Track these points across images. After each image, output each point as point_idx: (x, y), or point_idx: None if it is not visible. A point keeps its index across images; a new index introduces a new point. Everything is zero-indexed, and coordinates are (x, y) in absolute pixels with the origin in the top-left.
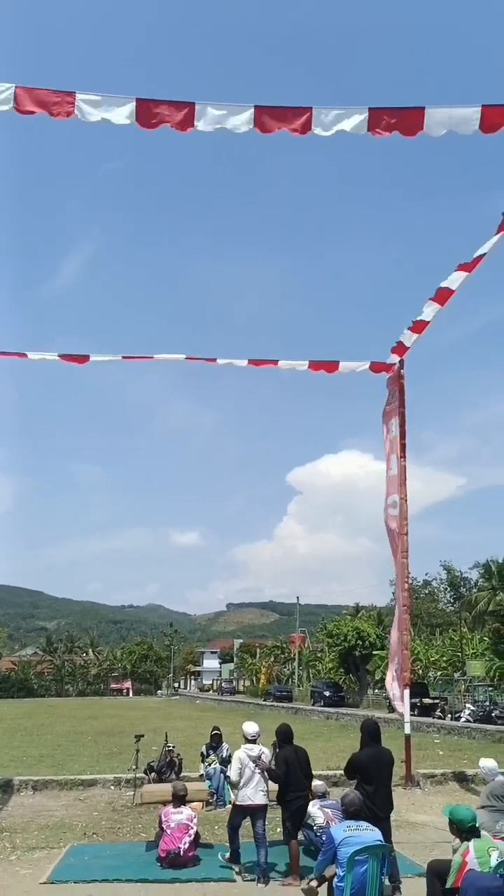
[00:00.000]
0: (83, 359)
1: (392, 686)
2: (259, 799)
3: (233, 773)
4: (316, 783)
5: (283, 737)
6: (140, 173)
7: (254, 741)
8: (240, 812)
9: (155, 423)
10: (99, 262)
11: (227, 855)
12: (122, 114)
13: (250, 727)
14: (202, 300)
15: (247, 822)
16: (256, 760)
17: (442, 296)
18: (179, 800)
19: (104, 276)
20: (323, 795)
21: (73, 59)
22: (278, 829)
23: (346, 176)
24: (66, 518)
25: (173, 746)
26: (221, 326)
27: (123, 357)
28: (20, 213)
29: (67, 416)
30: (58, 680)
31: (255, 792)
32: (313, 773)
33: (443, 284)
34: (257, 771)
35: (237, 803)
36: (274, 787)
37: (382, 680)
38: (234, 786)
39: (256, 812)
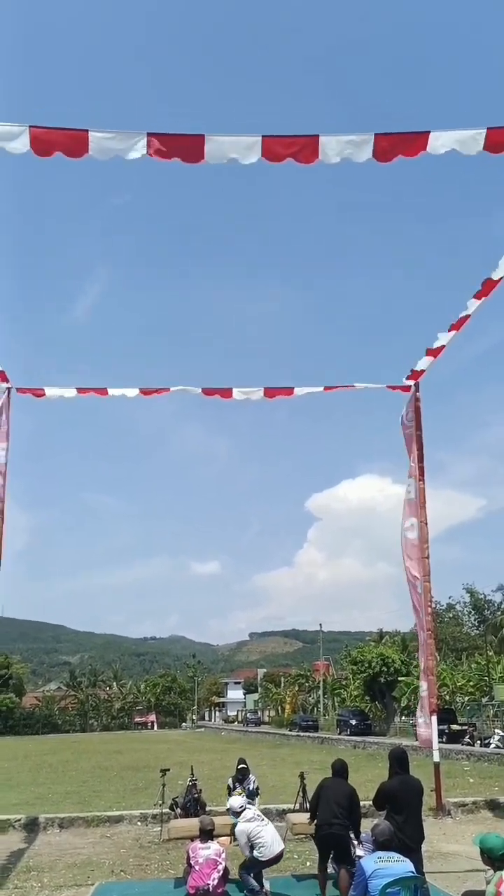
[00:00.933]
0: (101, 392)
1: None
2: (278, 847)
3: (244, 847)
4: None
5: (334, 771)
6: (147, 207)
7: (242, 809)
8: (259, 864)
9: (169, 451)
10: (110, 294)
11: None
12: (136, 149)
13: (234, 802)
14: (213, 328)
15: None
16: (256, 818)
17: (457, 324)
18: (207, 835)
19: (116, 307)
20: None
21: (79, 79)
22: (307, 864)
23: (353, 201)
24: (85, 550)
25: (196, 780)
26: (233, 353)
27: (141, 391)
28: (31, 247)
29: (83, 447)
30: (82, 715)
31: (273, 841)
32: None
33: (463, 314)
34: (264, 825)
35: (260, 859)
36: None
37: (409, 707)
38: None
39: (272, 861)
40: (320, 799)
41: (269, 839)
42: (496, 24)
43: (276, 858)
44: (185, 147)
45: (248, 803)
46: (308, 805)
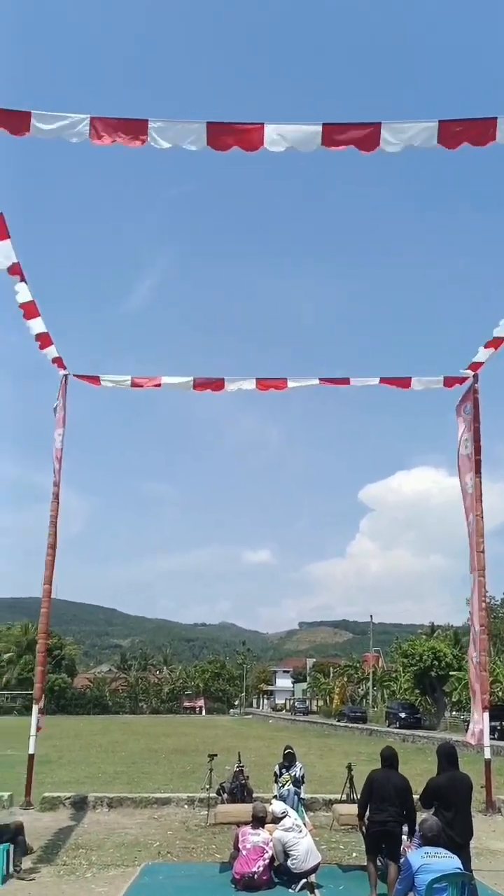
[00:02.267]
0: (156, 384)
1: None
2: (312, 861)
3: (278, 854)
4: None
5: (382, 759)
6: (208, 195)
7: (283, 815)
8: (291, 874)
9: (224, 440)
10: (169, 283)
11: None
12: (194, 139)
13: (276, 807)
14: (270, 317)
15: None
16: (293, 828)
17: None
18: (259, 821)
19: (174, 296)
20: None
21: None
22: (354, 854)
23: (412, 188)
24: (139, 536)
25: (243, 766)
26: (289, 342)
27: (195, 383)
28: (93, 237)
29: (138, 435)
30: (132, 697)
31: (308, 855)
32: None
33: None
34: (300, 836)
35: (293, 870)
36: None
37: (460, 702)
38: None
39: (304, 875)
40: (372, 792)
41: (304, 852)
42: None
43: (309, 871)
44: (244, 135)
45: (296, 792)
46: (356, 796)
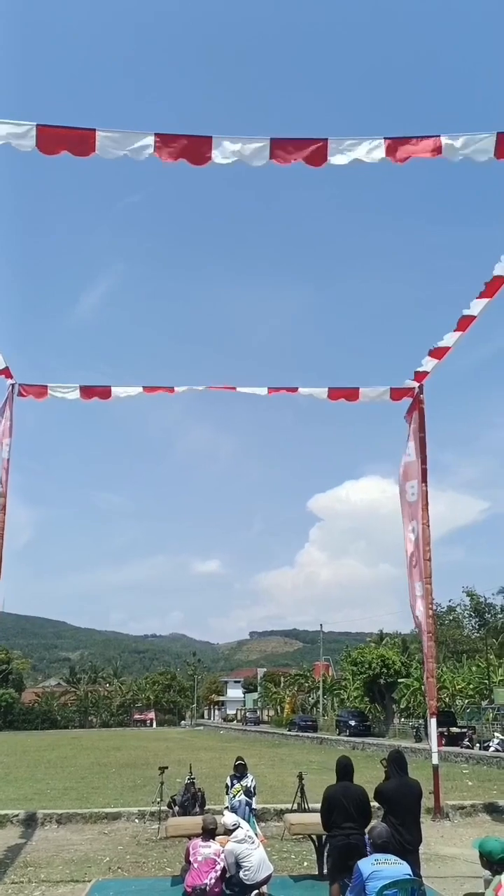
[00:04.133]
0: (106, 394)
1: None
2: (265, 872)
3: (230, 867)
4: (226, 818)
5: (337, 771)
6: (161, 205)
7: (235, 827)
8: (244, 885)
9: (174, 450)
10: (120, 293)
11: None
12: (141, 149)
13: (229, 818)
14: (222, 327)
15: None
16: (246, 839)
17: (464, 323)
18: (209, 834)
19: (125, 306)
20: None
21: (80, 82)
22: (305, 864)
23: (366, 202)
24: (88, 547)
25: (194, 778)
26: (241, 352)
27: (145, 389)
28: (40, 246)
29: (87, 444)
30: (81, 711)
31: (260, 866)
32: None
33: (465, 312)
34: (253, 848)
35: (245, 882)
36: (308, 819)
37: (408, 708)
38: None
39: (256, 886)
40: (332, 808)
41: (257, 863)
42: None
43: (262, 883)
44: (192, 148)
45: (247, 802)
46: (307, 806)
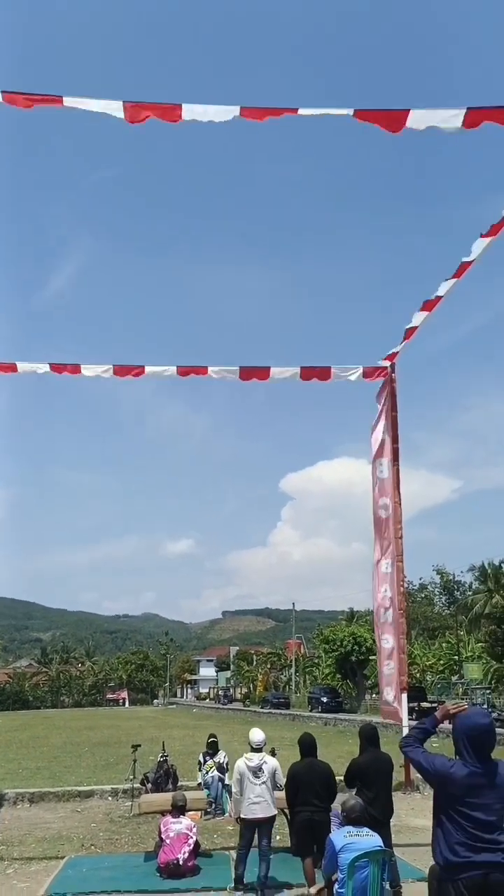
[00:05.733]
0: (75, 370)
1: (386, 691)
2: (263, 811)
3: (233, 784)
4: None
5: (301, 749)
6: (133, 181)
7: (258, 749)
8: (247, 827)
9: (146, 428)
10: (91, 270)
11: (232, 886)
12: (111, 108)
13: (255, 735)
14: (194, 305)
15: None
16: (256, 771)
17: (429, 304)
18: (179, 809)
19: (96, 283)
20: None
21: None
22: (278, 837)
23: (340, 181)
24: (58, 527)
25: (168, 756)
26: (213, 330)
27: (115, 369)
28: (9, 221)
29: (57, 423)
30: (53, 691)
31: (259, 803)
32: None
33: (431, 296)
34: (258, 782)
35: (243, 816)
36: (280, 794)
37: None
38: (236, 800)
39: (262, 825)
40: (297, 786)
41: (256, 797)
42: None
43: (260, 821)
44: (162, 108)
45: (220, 779)
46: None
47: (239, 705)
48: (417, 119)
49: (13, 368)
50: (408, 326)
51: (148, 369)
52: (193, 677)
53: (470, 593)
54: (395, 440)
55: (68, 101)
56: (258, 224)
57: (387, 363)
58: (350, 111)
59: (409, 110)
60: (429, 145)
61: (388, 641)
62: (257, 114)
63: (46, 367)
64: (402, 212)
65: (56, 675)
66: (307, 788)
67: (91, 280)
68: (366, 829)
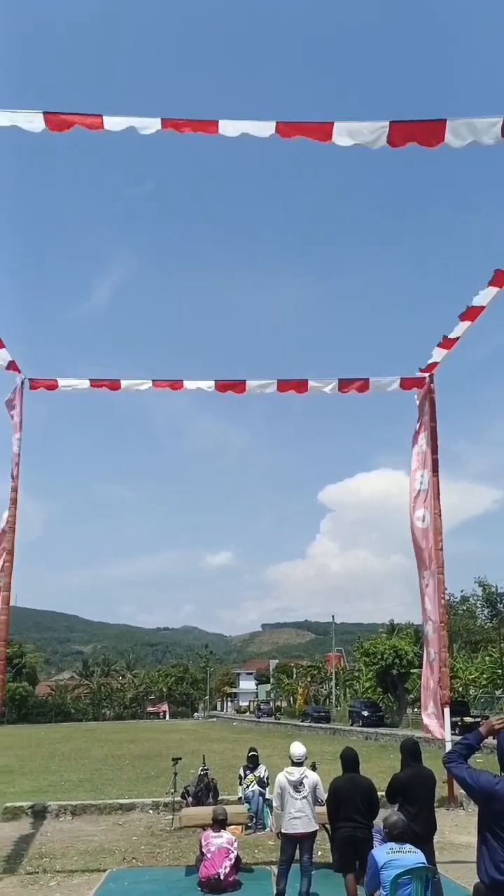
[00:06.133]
0: (115, 386)
1: (429, 706)
2: (304, 826)
3: (273, 798)
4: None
5: (343, 763)
6: (169, 196)
7: (299, 764)
8: (288, 842)
9: (184, 442)
10: (130, 284)
11: None
12: (149, 125)
13: (297, 749)
14: (232, 318)
15: None
16: (297, 786)
17: (472, 313)
18: (220, 824)
19: (135, 297)
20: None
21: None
22: (319, 853)
23: (377, 191)
24: (99, 541)
25: (208, 769)
26: (251, 343)
27: (154, 384)
28: (51, 237)
29: (97, 437)
30: (95, 704)
31: (300, 818)
32: None
33: (473, 303)
34: (298, 797)
35: (283, 831)
36: (321, 809)
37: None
38: (277, 814)
39: (303, 840)
40: (338, 801)
41: (297, 812)
42: None
43: (301, 836)
44: (201, 123)
45: (260, 793)
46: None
47: (279, 718)
48: (455, 133)
49: (54, 385)
50: (447, 336)
51: (186, 384)
52: (233, 690)
53: None
54: (434, 451)
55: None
56: (293, 236)
57: (426, 374)
58: (386, 123)
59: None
60: (462, 151)
61: (430, 654)
62: (291, 130)
63: (86, 384)
64: (437, 218)
65: (97, 687)
66: (349, 804)
67: (130, 293)
68: (409, 846)
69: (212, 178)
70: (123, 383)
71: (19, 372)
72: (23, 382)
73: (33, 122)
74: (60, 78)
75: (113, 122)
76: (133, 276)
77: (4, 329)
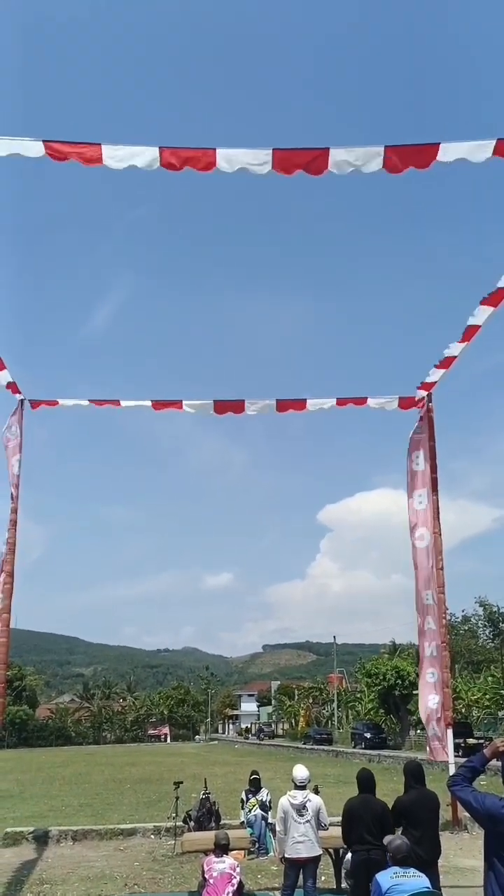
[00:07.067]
0: (114, 404)
1: (431, 727)
2: (307, 851)
3: (276, 822)
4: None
5: (359, 784)
6: (168, 217)
7: (302, 787)
8: (291, 867)
9: (184, 462)
10: (130, 305)
11: None
12: (147, 159)
13: (299, 772)
14: (231, 338)
15: None
16: (301, 809)
17: (468, 334)
18: (222, 849)
19: (135, 318)
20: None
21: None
22: (322, 878)
23: (372, 210)
24: (99, 562)
25: (210, 793)
26: (249, 364)
27: (153, 404)
28: (52, 259)
29: (97, 459)
30: (95, 727)
31: (304, 843)
32: None
33: (469, 323)
34: (302, 821)
35: (287, 856)
36: (325, 833)
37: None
38: (280, 839)
39: (307, 865)
40: (352, 822)
41: (300, 836)
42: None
43: (304, 861)
44: (197, 158)
45: (263, 817)
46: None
47: (281, 741)
48: (446, 153)
49: (54, 403)
50: (445, 354)
51: (185, 404)
52: (235, 712)
53: None
54: (433, 470)
55: (106, 150)
56: (292, 255)
57: (423, 393)
58: (381, 148)
59: (438, 144)
60: (460, 170)
61: (432, 675)
62: (288, 160)
63: (86, 402)
64: (433, 238)
65: (98, 710)
66: (360, 824)
67: (131, 314)
68: (413, 870)
69: (211, 199)
70: (123, 403)
71: (19, 393)
72: (22, 403)
73: (32, 150)
74: (58, 105)
75: (111, 155)
76: (134, 297)
77: (4, 350)
